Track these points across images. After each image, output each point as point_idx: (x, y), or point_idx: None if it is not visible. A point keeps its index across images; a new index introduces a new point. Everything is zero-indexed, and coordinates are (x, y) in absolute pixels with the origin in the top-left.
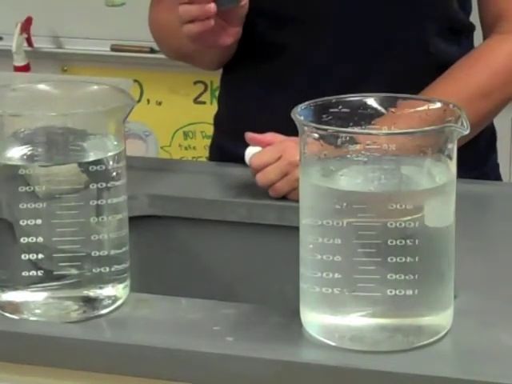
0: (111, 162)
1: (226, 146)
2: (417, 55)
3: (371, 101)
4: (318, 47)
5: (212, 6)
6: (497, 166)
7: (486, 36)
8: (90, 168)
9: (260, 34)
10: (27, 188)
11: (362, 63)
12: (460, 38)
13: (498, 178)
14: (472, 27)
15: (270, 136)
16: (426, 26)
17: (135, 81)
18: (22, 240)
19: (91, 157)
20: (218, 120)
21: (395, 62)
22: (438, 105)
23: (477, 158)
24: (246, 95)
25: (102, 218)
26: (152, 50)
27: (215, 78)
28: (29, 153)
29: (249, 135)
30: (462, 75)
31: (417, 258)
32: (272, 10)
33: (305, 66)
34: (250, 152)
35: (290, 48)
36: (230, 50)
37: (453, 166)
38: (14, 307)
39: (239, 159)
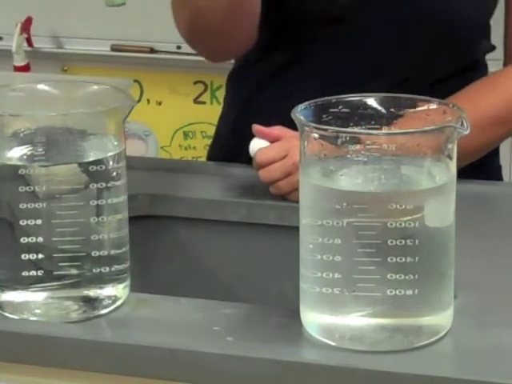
0: (111, 162)
1: (229, 142)
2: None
3: (371, 101)
4: (338, 58)
5: None
6: (499, 167)
7: (506, 63)
8: (90, 168)
9: (276, 36)
10: (27, 188)
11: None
12: (467, 73)
13: (499, 179)
14: (484, 68)
15: (277, 130)
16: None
17: (135, 81)
18: (22, 240)
19: (91, 157)
20: (223, 120)
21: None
22: (438, 105)
23: (478, 159)
24: (257, 99)
25: (102, 218)
26: (152, 50)
27: (215, 77)
28: (29, 153)
29: (256, 127)
30: (477, 99)
31: (417, 258)
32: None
33: (318, 74)
34: (255, 145)
35: (308, 55)
36: (253, 27)
37: (453, 166)
38: (14, 307)
39: (240, 154)
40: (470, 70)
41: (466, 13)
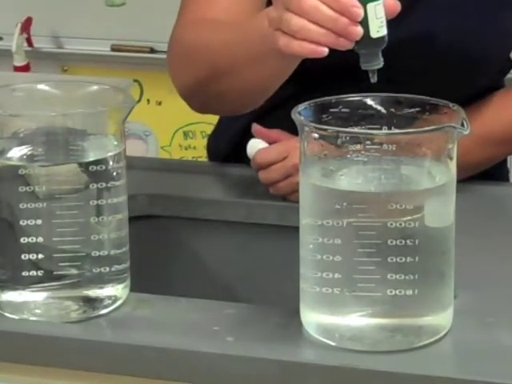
0: (111, 162)
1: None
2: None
3: (371, 101)
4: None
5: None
6: (506, 171)
7: None
8: (90, 168)
9: None
10: (27, 188)
11: None
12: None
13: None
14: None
15: (275, 133)
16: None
17: (135, 81)
18: (22, 240)
19: (91, 157)
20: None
21: None
22: (439, 105)
23: None
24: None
25: (102, 218)
26: (152, 50)
27: None
28: (29, 153)
29: (256, 127)
30: (488, 115)
31: (417, 258)
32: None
33: None
34: (253, 145)
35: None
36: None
37: (453, 166)
38: (14, 307)
39: (238, 150)
40: (490, 91)
41: (489, 50)
